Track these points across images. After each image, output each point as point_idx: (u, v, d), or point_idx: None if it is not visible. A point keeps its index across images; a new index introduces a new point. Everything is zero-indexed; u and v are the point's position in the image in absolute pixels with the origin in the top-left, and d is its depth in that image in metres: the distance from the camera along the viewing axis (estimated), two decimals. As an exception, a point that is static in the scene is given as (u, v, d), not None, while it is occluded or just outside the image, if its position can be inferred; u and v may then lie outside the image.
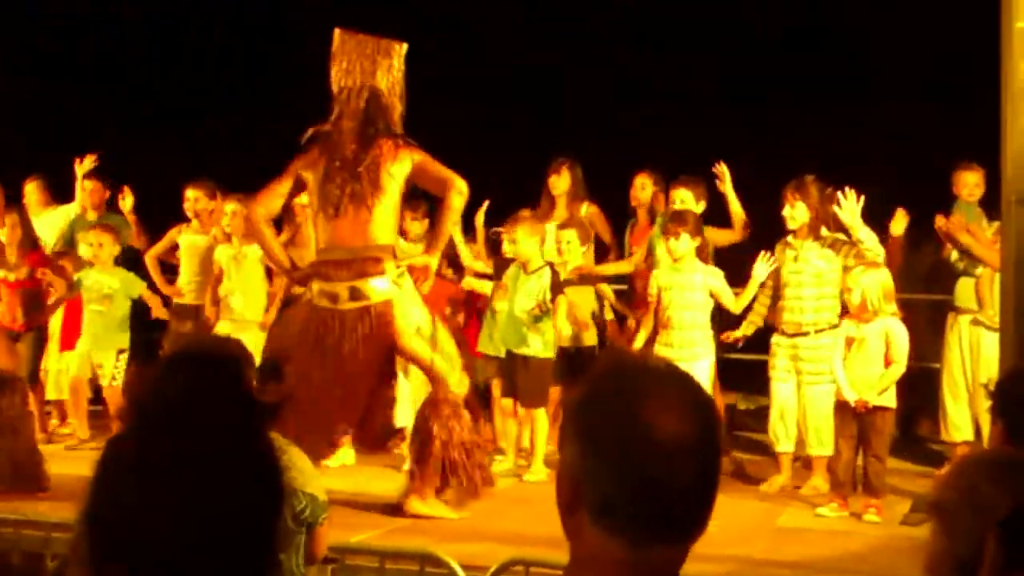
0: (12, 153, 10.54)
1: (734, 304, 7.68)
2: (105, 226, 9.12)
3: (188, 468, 2.12)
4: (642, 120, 12.16)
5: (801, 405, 7.45)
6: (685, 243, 7.59)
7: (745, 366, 8.71)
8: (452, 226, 7.14)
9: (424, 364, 6.76)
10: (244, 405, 2.43)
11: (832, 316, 7.42)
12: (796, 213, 7.50)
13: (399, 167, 6.66)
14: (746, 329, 7.86)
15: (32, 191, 9.79)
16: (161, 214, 10.03)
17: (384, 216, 6.63)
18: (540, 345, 7.93)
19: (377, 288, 6.56)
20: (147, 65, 13.03)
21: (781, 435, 7.58)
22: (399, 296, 6.60)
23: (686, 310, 7.62)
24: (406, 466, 7.36)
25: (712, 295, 7.66)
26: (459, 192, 6.69)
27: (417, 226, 8.82)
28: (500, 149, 11.85)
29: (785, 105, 11.89)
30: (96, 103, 12.51)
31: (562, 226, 8.58)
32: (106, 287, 8.77)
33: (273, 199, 6.94)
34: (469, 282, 8.77)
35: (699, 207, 8.16)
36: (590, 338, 8.36)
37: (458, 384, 6.73)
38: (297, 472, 4.19)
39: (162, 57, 13.12)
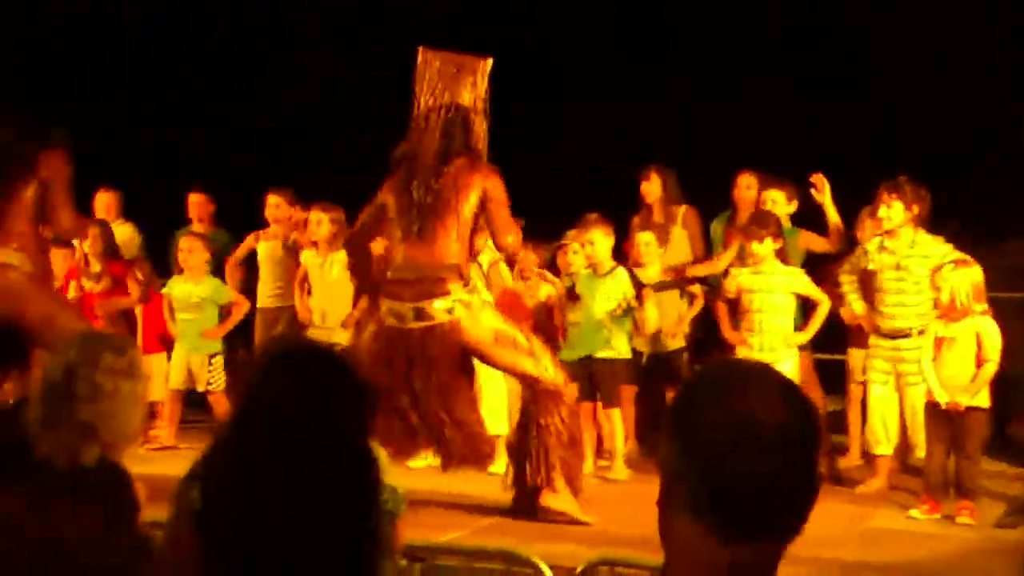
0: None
1: (825, 299, 7.66)
2: (196, 233, 9.19)
3: (294, 463, 2.17)
4: (640, 120, 12.15)
5: (911, 408, 7.28)
6: (767, 246, 7.59)
7: (827, 367, 8.50)
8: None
9: (513, 369, 6.72)
10: (349, 400, 2.43)
11: (933, 316, 7.19)
12: (892, 213, 7.31)
13: (471, 189, 6.58)
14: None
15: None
16: (163, 215, 10.03)
17: (453, 235, 6.55)
18: (623, 346, 7.97)
19: (441, 308, 6.50)
20: (147, 65, 12.99)
21: (882, 438, 7.46)
22: (467, 314, 6.52)
23: (769, 313, 7.58)
24: (492, 468, 7.12)
25: (796, 295, 7.66)
26: (505, 247, 6.77)
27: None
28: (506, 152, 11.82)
29: (785, 105, 11.89)
30: (96, 103, 12.46)
31: (640, 228, 8.59)
32: (194, 296, 8.82)
33: (364, 226, 6.97)
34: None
35: (790, 208, 8.19)
36: (676, 342, 8.38)
37: (554, 377, 6.64)
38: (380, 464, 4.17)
39: (162, 57, 13.09)
